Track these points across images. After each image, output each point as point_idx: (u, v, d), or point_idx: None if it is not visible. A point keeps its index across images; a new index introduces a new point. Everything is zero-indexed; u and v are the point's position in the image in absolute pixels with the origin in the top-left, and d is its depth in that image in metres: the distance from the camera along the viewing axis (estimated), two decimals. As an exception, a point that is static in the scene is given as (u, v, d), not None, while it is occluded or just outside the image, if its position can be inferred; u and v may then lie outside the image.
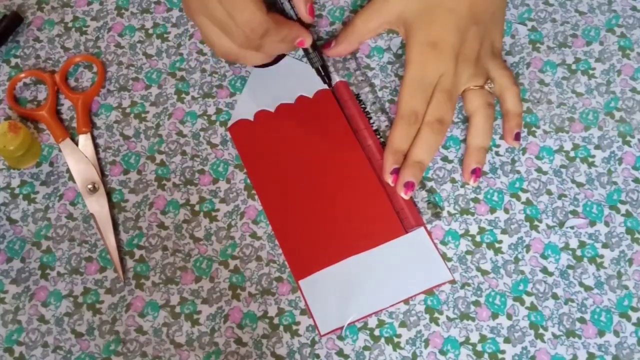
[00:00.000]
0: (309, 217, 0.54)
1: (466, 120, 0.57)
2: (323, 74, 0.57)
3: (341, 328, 0.51)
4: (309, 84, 0.58)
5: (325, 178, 0.55)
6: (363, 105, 0.57)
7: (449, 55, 0.54)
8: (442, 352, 0.50)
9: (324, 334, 0.51)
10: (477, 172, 0.54)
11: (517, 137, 0.55)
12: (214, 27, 0.51)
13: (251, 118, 0.57)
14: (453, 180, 0.55)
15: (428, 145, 0.53)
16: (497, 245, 0.53)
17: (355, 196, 0.54)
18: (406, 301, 0.51)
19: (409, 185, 0.52)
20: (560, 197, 0.54)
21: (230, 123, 0.57)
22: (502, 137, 0.56)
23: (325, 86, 0.58)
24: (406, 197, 0.53)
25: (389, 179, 0.53)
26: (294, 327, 0.51)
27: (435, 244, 0.53)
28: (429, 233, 0.53)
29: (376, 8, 0.58)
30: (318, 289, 0.52)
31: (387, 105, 0.58)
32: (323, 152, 0.56)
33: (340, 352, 0.50)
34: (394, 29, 0.59)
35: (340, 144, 0.56)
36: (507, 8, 0.60)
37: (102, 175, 0.56)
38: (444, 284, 0.52)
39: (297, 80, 0.59)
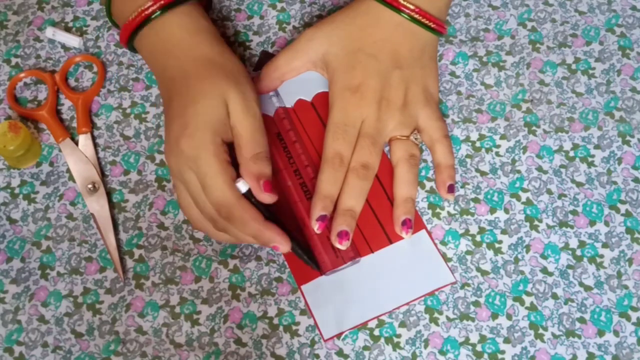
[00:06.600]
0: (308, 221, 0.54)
1: (466, 120, 0.57)
2: (309, 261, 0.51)
3: (345, 331, 0.51)
4: (311, 87, 0.58)
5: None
6: (284, 144, 0.56)
7: (371, 100, 0.52)
8: (442, 352, 0.50)
9: (327, 339, 0.50)
10: (407, 223, 0.52)
11: (451, 189, 0.53)
12: (187, 196, 0.50)
13: None
14: (453, 180, 0.55)
15: (356, 192, 0.52)
16: (497, 245, 0.53)
17: None
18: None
19: (342, 235, 0.51)
20: (560, 197, 0.54)
21: None
22: (502, 138, 0.56)
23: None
24: (342, 248, 0.51)
25: (315, 226, 0.51)
26: (294, 328, 0.51)
27: (436, 245, 0.53)
28: (431, 235, 0.53)
29: (300, 47, 0.56)
30: (320, 293, 0.52)
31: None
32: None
33: (340, 352, 0.50)
34: (318, 71, 0.57)
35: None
36: (439, 46, 0.58)
37: (102, 175, 0.56)
38: (446, 286, 0.52)
39: (299, 83, 0.58)
